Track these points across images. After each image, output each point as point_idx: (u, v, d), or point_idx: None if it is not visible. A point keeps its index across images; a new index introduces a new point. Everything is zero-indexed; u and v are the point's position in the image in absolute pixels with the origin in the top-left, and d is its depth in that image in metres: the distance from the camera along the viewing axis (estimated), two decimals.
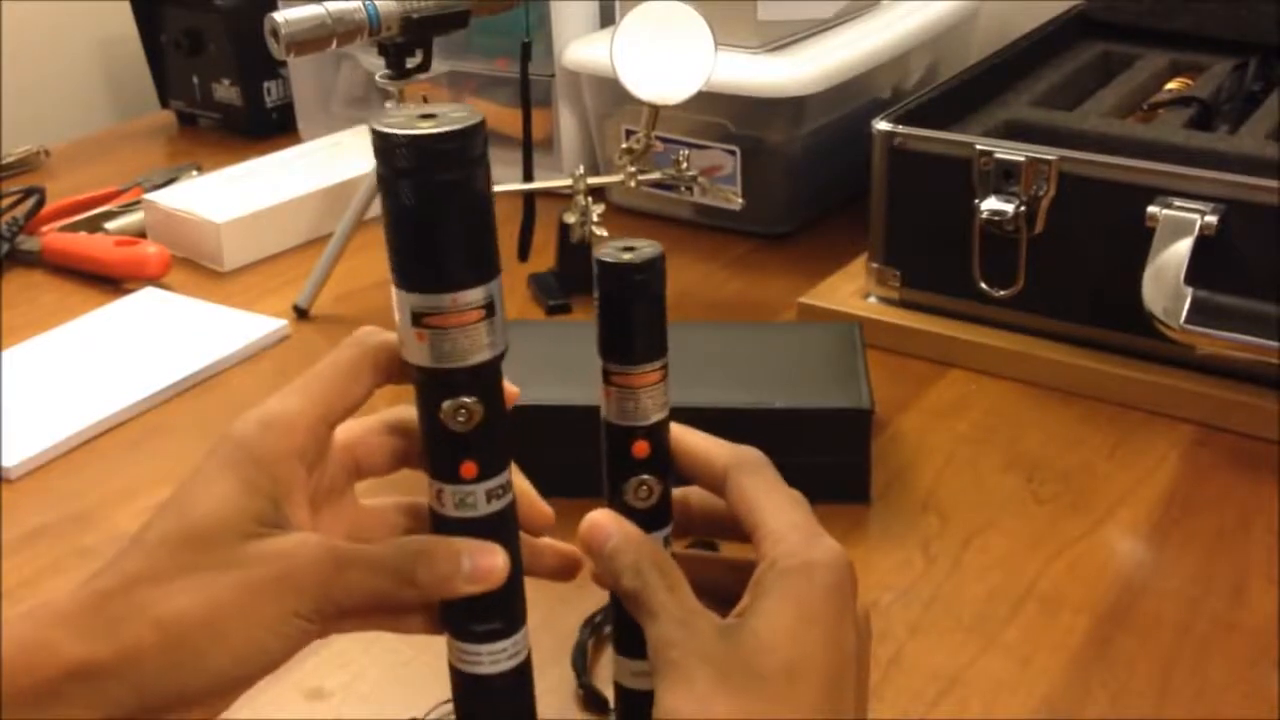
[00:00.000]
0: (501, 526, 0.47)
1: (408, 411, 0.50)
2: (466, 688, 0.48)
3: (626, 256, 0.49)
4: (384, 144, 0.42)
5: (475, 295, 0.44)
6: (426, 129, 0.42)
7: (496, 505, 0.47)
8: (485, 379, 0.46)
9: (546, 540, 0.52)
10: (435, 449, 0.47)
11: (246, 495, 0.47)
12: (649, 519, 0.48)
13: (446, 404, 0.46)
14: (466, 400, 0.46)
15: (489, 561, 0.47)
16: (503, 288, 0.45)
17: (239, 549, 0.46)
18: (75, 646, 0.44)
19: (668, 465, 0.49)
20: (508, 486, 0.48)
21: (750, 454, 0.50)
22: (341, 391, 0.51)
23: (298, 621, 0.46)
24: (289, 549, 0.46)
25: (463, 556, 0.47)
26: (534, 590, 0.49)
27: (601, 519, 0.49)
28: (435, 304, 0.44)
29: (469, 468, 0.47)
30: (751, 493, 0.49)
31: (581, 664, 0.62)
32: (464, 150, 0.43)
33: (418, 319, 0.44)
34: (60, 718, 0.44)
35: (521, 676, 0.48)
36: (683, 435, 0.51)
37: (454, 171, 0.43)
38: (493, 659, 0.47)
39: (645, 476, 0.48)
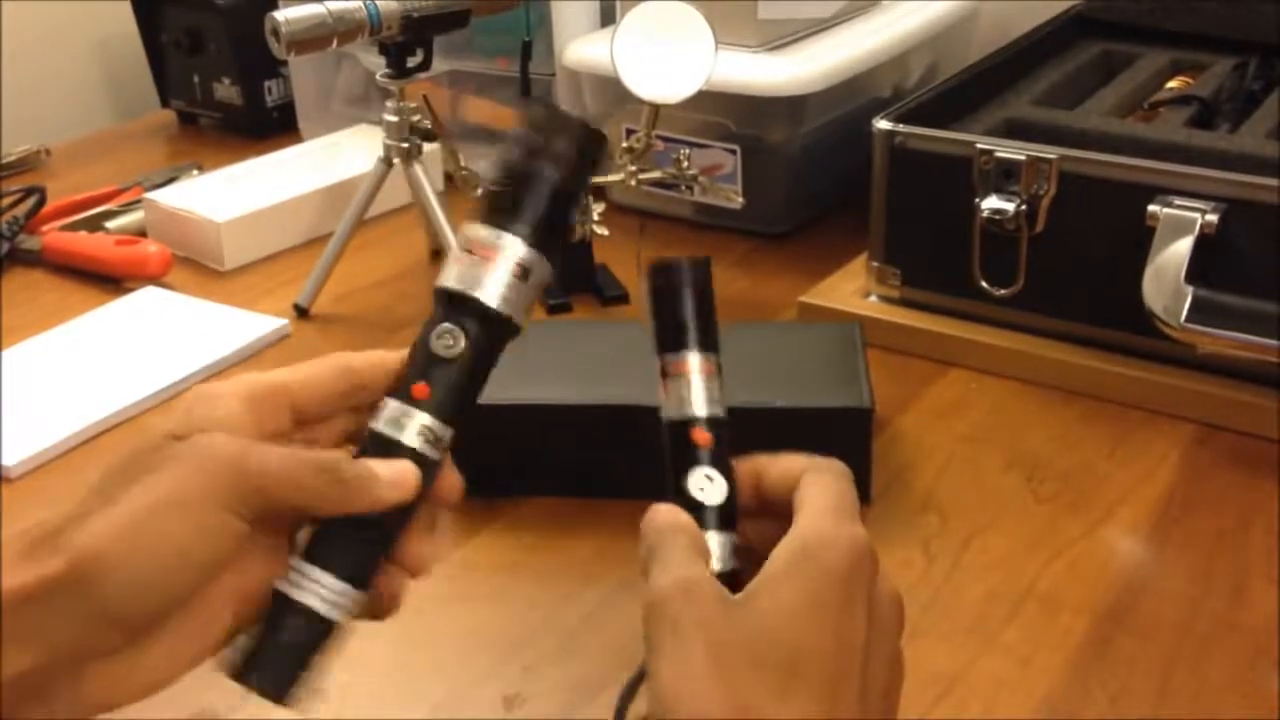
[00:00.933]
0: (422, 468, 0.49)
1: (347, 356, 0.51)
2: (284, 615, 0.47)
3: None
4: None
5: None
6: None
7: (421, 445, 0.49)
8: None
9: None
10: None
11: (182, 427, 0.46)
12: (713, 518, 0.48)
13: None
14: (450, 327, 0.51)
15: (405, 470, 0.48)
16: None
17: (151, 459, 0.45)
18: (15, 577, 0.42)
19: (729, 465, 0.49)
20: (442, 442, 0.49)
21: (827, 460, 0.49)
22: (298, 377, 0.51)
23: (219, 515, 0.45)
24: (199, 441, 0.46)
25: (383, 464, 0.48)
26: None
27: (657, 506, 0.48)
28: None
29: (421, 389, 0.50)
30: (807, 481, 0.48)
31: None
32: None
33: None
34: (20, 643, 0.42)
35: (328, 635, 0.47)
36: (769, 460, 0.50)
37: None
38: (326, 597, 0.47)
39: (706, 469, 0.48)
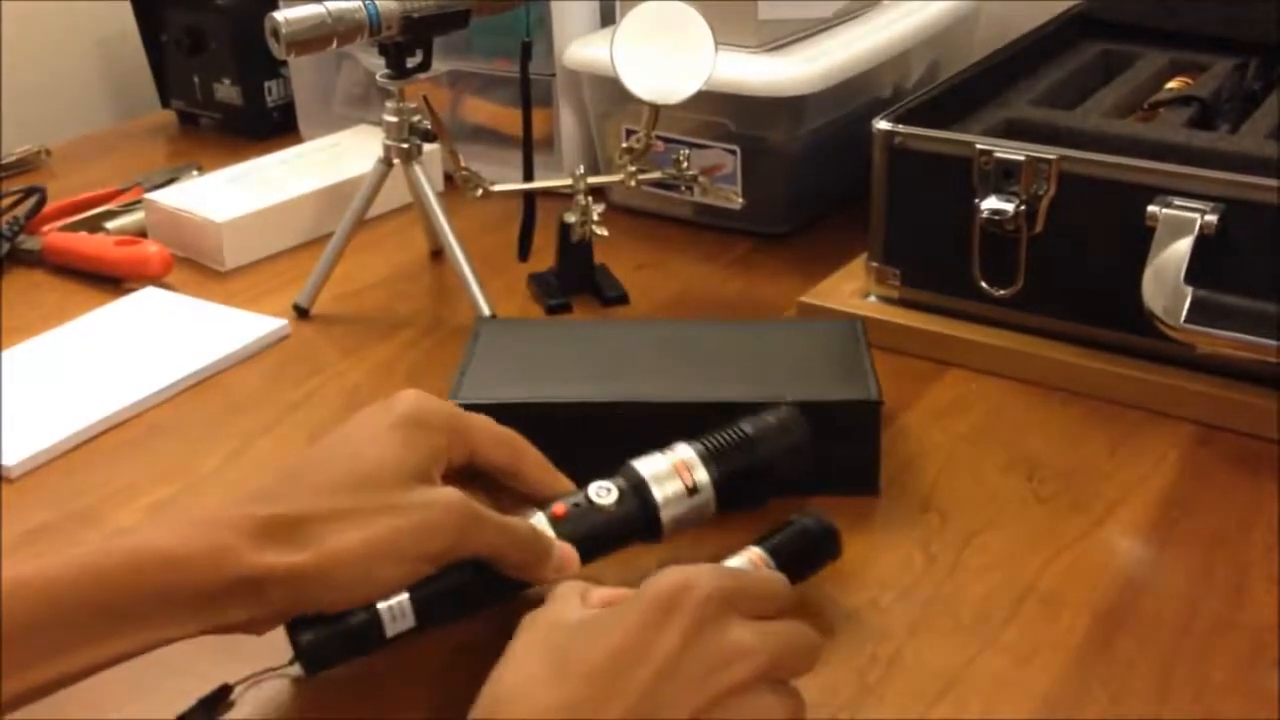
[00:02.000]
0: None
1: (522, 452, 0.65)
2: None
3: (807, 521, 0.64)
4: None
5: None
6: None
7: None
8: None
9: None
10: None
11: (407, 451, 0.58)
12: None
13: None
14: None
15: (573, 559, 0.61)
16: None
17: (396, 496, 0.56)
18: (256, 557, 0.53)
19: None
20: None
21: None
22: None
23: (425, 564, 0.56)
24: (437, 500, 0.57)
25: (562, 547, 0.61)
26: None
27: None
28: None
29: (560, 510, 0.64)
30: None
31: None
32: None
33: None
34: (228, 614, 0.53)
35: (374, 641, 0.58)
36: None
37: None
38: (395, 612, 0.58)
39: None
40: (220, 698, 0.57)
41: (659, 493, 0.64)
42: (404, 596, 0.57)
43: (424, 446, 0.58)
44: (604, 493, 0.64)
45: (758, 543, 0.63)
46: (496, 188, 0.95)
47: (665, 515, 0.64)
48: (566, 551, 0.61)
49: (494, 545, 0.58)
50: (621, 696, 0.46)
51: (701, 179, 0.97)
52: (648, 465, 0.65)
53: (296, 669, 0.57)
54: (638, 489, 0.64)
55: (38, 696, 0.51)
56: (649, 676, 0.47)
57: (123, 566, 0.52)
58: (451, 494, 0.57)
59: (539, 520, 0.62)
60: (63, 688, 0.51)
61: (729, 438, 0.66)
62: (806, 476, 0.68)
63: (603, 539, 0.63)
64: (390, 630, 0.58)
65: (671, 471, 0.65)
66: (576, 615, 0.52)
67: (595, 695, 0.46)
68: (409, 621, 0.58)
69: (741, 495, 0.66)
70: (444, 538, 0.56)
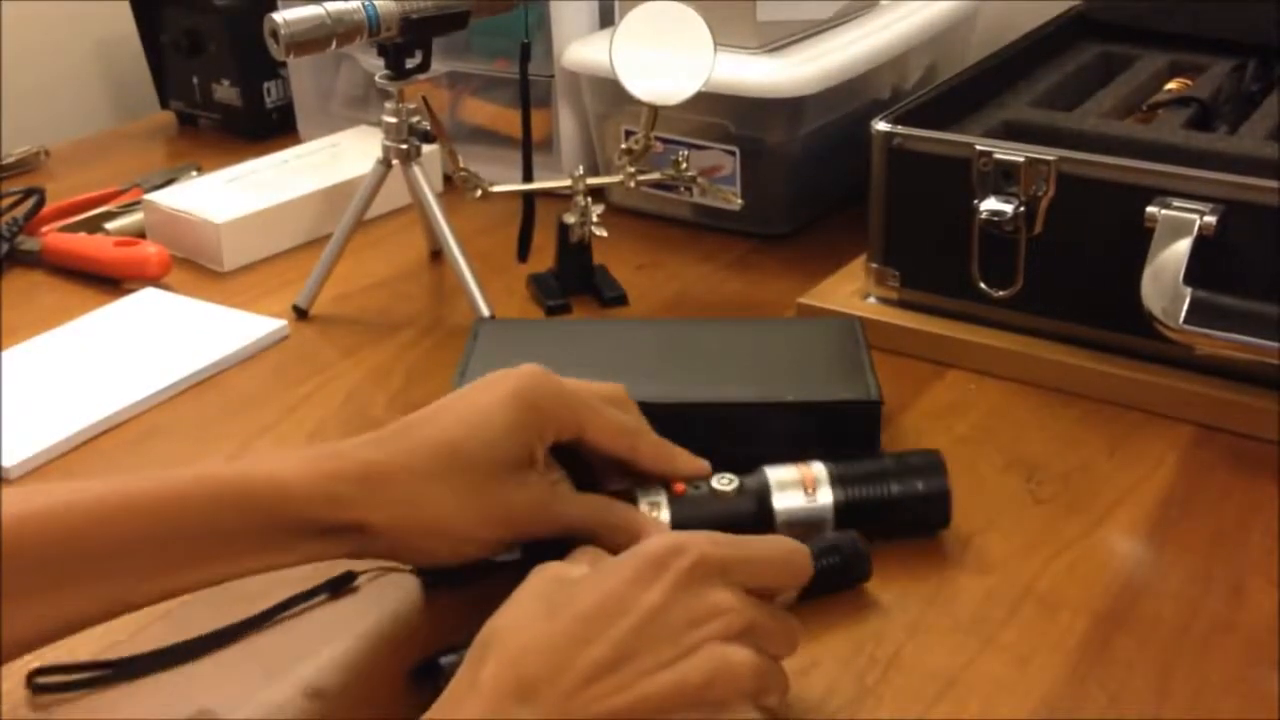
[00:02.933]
0: None
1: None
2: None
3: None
4: None
5: None
6: None
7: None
8: None
9: None
10: None
11: (513, 435, 0.61)
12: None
13: None
14: None
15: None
16: None
17: (491, 483, 0.60)
18: (354, 510, 0.58)
19: None
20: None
21: None
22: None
23: (502, 546, 0.62)
24: (522, 499, 0.61)
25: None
26: None
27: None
28: None
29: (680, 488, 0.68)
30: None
31: None
32: None
33: None
34: (329, 550, 0.59)
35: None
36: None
37: None
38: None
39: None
40: (345, 581, 0.67)
41: (778, 500, 0.66)
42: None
43: (531, 430, 0.61)
44: (726, 483, 0.67)
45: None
46: (496, 188, 0.95)
47: (779, 521, 0.66)
48: (648, 526, 0.64)
49: (575, 530, 0.62)
50: (603, 640, 0.50)
51: (700, 180, 0.97)
52: (777, 472, 0.67)
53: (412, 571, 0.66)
54: (760, 491, 0.67)
55: (145, 604, 0.56)
56: (629, 625, 0.50)
57: (236, 493, 0.56)
58: (538, 493, 0.62)
59: (659, 493, 0.66)
60: (172, 598, 0.57)
61: (866, 467, 0.68)
62: (941, 523, 0.69)
63: (711, 527, 0.63)
64: (499, 558, 0.63)
65: (797, 482, 0.67)
66: (579, 571, 0.55)
67: (579, 635, 0.50)
68: (515, 554, 0.64)
69: (862, 525, 0.66)
70: (521, 530, 0.62)
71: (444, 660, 0.58)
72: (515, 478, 0.61)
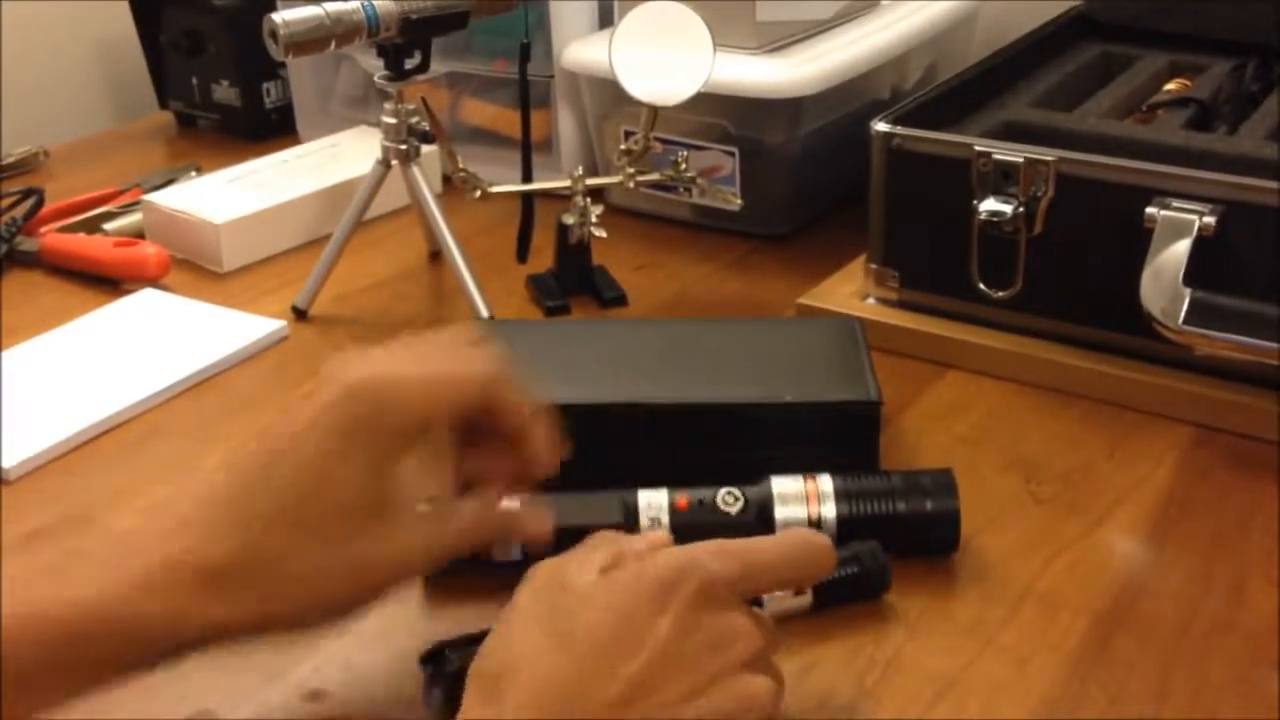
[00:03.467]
0: None
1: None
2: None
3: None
4: None
5: None
6: None
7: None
8: None
9: None
10: None
11: (360, 459, 0.53)
12: None
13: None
14: None
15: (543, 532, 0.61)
16: None
17: (359, 524, 0.53)
18: (213, 613, 0.51)
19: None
20: None
21: None
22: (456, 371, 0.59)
23: (392, 592, 0.55)
24: (400, 550, 0.54)
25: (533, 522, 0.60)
26: None
27: None
28: None
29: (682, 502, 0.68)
30: None
31: None
32: None
33: None
34: (190, 656, 0.52)
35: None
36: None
37: None
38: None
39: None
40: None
41: (780, 513, 0.66)
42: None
43: (380, 444, 0.53)
44: (730, 499, 0.66)
45: None
46: (495, 189, 0.95)
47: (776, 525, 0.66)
48: (536, 524, 0.60)
49: (462, 551, 0.58)
50: (619, 678, 0.48)
51: (700, 180, 0.97)
52: (781, 484, 0.67)
53: None
54: (762, 505, 0.66)
55: None
56: (648, 658, 0.49)
57: (71, 628, 0.49)
58: (403, 543, 0.55)
59: (661, 500, 0.66)
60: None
61: (874, 483, 0.67)
62: (950, 545, 0.68)
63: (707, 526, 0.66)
64: (500, 557, 0.65)
65: (801, 496, 0.66)
66: (582, 581, 0.52)
67: (598, 669, 0.48)
68: (516, 555, 0.65)
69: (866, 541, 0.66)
70: (411, 570, 0.57)
71: (450, 654, 0.58)
72: (368, 532, 0.53)
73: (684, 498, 0.67)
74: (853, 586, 0.64)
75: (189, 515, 0.52)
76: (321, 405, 0.53)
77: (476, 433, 0.58)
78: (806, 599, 0.63)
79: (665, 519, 0.66)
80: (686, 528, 0.66)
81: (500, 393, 0.58)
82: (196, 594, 0.50)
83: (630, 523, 0.66)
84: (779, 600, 0.62)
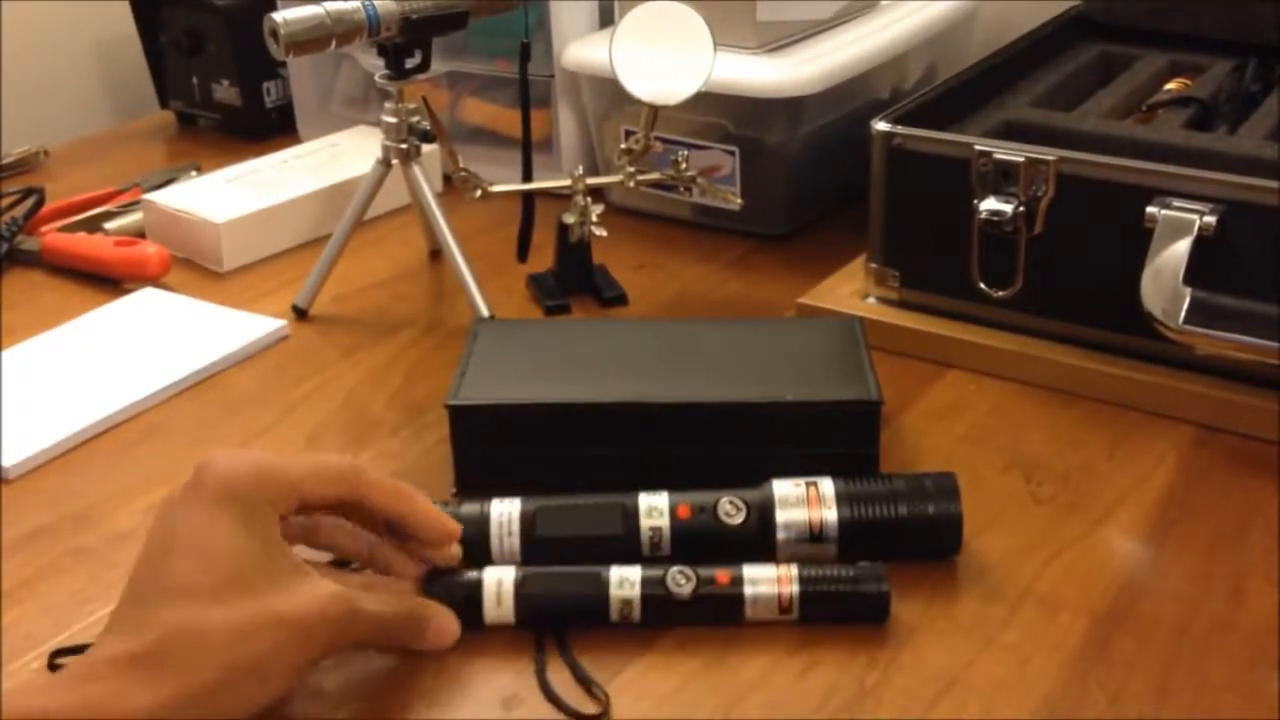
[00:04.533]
0: None
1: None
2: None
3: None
4: None
5: None
6: None
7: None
8: None
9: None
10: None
11: (246, 537, 0.55)
12: None
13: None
14: None
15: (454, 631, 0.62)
16: None
17: (266, 599, 0.54)
18: (135, 703, 0.51)
19: None
20: None
21: None
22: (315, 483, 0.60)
23: (310, 666, 0.57)
24: (311, 605, 0.55)
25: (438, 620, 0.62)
26: None
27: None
28: None
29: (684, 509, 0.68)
30: None
31: None
32: None
33: None
34: None
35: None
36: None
37: None
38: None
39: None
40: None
41: (781, 517, 0.66)
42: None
43: (256, 514, 0.56)
44: (733, 510, 0.66)
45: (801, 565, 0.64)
46: (495, 188, 0.95)
47: (781, 538, 0.66)
48: (443, 623, 0.62)
49: (370, 639, 0.60)
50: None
51: (700, 180, 0.97)
52: (783, 487, 0.67)
53: None
54: (763, 510, 0.66)
55: None
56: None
57: None
58: (320, 597, 0.56)
59: (663, 506, 0.66)
60: None
61: (876, 486, 0.67)
62: (951, 549, 0.68)
63: (716, 550, 0.65)
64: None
65: (802, 500, 0.66)
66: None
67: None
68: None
69: (868, 546, 0.66)
70: (323, 643, 0.56)
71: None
72: (290, 602, 0.55)
73: (686, 505, 0.66)
74: (844, 606, 0.64)
75: (102, 633, 0.55)
76: (195, 485, 0.57)
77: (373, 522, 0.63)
78: (792, 615, 0.63)
79: (666, 527, 0.66)
80: (688, 536, 0.66)
81: (363, 479, 0.60)
82: (112, 689, 0.51)
83: (630, 531, 0.66)
84: (764, 608, 0.63)
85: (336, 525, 0.62)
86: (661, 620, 0.63)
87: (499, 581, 0.63)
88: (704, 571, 0.63)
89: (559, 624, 0.64)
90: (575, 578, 0.64)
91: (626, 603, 0.63)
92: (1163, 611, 0.65)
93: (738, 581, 0.63)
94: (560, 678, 0.61)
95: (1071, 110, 0.97)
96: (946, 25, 1.17)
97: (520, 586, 0.63)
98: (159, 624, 0.53)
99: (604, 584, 0.63)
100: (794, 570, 0.63)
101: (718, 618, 0.63)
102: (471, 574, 0.64)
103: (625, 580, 0.63)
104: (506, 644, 0.63)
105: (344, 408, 0.86)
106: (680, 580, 0.63)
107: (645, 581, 0.63)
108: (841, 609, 0.63)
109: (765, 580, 0.63)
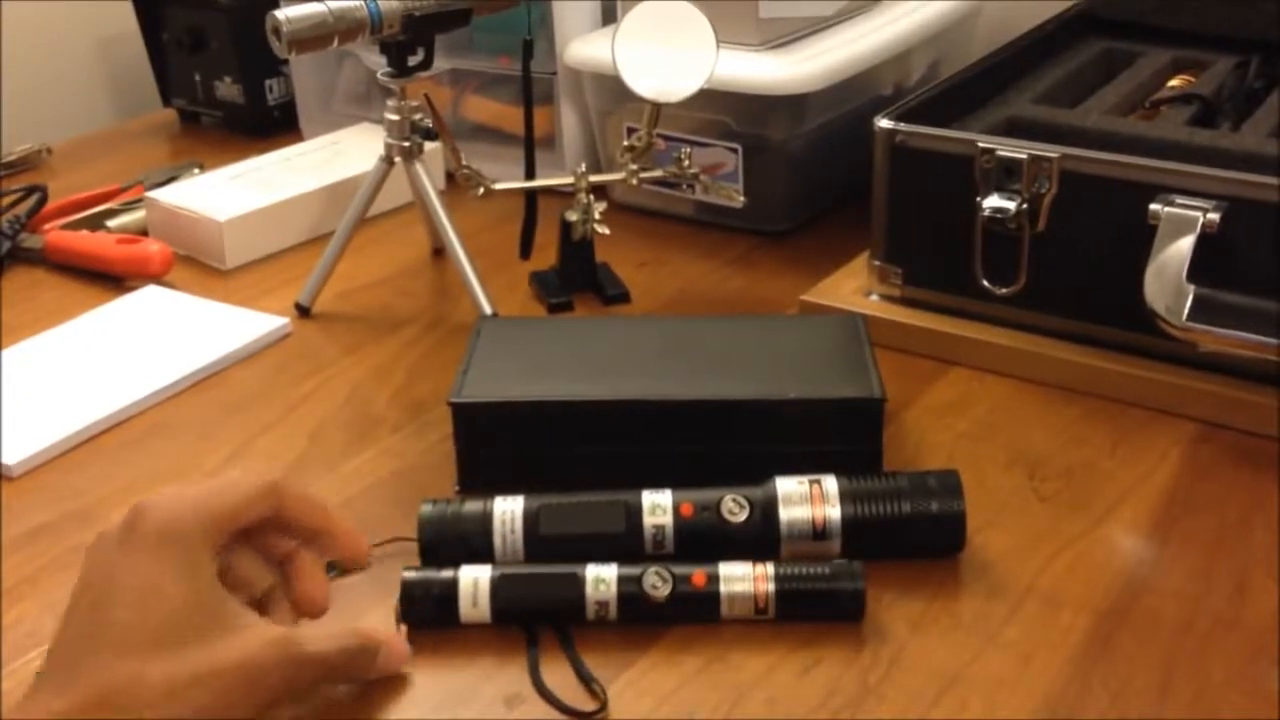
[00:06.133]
0: None
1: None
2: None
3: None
4: None
5: None
6: None
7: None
8: None
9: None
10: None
11: (183, 583, 0.53)
12: None
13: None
14: None
15: (405, 655, 0.62)
16: None
17: (206, 654, 0.53)
18: None
19: None
20: None
21: None
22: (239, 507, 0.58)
23: (258, 716, 0.54)
24: (254, 653, 0.54)
25: (388, 646, 0.61)
26: None
27: None
28: None
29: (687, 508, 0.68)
30: None
31: None
32: None
33: None
34: None
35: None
36: None
37: None
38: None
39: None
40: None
41: (785, 515, 0.66)
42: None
43: (184, 554, 0.54)
44: (736, 508, 0.66)
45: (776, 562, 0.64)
46: (498, 186, 0.95)
47: (784, 535, 0.66)
48: (392, 648, 0.61)
49: (319, 679, 0.59)
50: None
51: (703, 177, 0.97)
52: (786, 484, 0.67)
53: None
54: (767, 508, 0.66)
55: None
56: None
57: None
58: (264, 644, 0.54)
59: (666, 504, 0.66)
60: None
61: (880, 484, 0.67)
62: (954, 547, 0.68)
63: (719, 548, 0.65)
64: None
65: (805, 498, 0.66)
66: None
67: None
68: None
69: (871, 543, 0.66)
70: (268, 690, 0.54)
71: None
72: (234, 641, 0.54)
73: (689, 503, 0.66)
74: (820, 605, 0.64)
75: (37, 680, 0.53)
76: (132, 529, 0.55)
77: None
78: (768, 615, 0.63)
79: (669, 525, 0.66)
80: (691, 534, 0.66)
81: (288, 492, 0.59)
82: None
83: (633, 528, 0.66)
84: (741, 607, 0.63)
85: (249, 560, 0.59)
86: (637, 620, 0.63)
87: (475, 581, 0.63)
88: (680, 571, 0.63)
89: (534, 623, 0.63)
90: (551, 578, 0.64)
91: (602, 604, 0.63)
92: (1165, 608, 0.65)
93: (714, 581, 0.63)
94: (562, 676, 0.61)
95: (1074, 107, 0.97)
96: (949, 22, 1.17)
97: (496, 586, 0.63)
98: (95, 680, 0.51)
99: (580, 584, 0.63)
100: (770, 569, 0.63)
101: (693, 618, 0.64)
102: (447, 573, 0.64)
103: (601, 580, 0.63)
104: (508, 643, 0.63)
105: (346, 405, 0.86)
106: (657, 582, 0.63)
107: (621, 581, 0.63)
108: (817, 607, 0.63)
109: (741, 579, 0.63)
